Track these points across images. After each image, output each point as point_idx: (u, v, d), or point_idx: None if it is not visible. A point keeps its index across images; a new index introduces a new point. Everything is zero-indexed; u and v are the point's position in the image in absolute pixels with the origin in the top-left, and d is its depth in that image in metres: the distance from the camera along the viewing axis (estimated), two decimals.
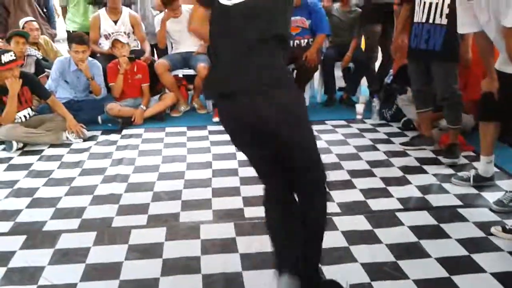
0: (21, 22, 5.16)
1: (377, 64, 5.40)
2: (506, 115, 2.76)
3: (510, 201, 2.73)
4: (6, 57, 3.84)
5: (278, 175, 1.93)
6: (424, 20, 3.36)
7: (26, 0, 5.58)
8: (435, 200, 2.91)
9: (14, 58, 3.91)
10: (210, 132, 4.28)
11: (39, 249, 2.42)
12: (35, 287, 2.13)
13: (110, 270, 2.24)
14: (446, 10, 3.24)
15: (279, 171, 1.91)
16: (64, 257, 2.35)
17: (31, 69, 4.64)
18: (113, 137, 4.17)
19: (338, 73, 5.42)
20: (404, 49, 3.66)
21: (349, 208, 2.82)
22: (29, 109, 4.14)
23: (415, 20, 3.42)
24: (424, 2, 3.33)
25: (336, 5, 5.16)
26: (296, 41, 4.91)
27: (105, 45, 5.07)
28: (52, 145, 3.93)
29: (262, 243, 2.42)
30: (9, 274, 2.22)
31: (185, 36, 4.97)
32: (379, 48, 5.29)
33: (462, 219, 2.67)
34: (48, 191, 3.10)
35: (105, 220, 2.73)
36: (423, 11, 3.34)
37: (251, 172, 3.28)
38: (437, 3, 3.27)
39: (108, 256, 2.35)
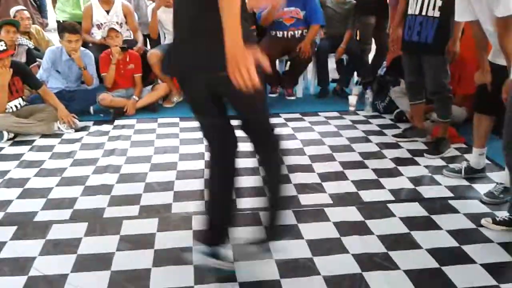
0: (12, 11, 5.10)
1: (370, 56, 5.40)
2: (499, 107, 2.78)
3: (500, 193, 2.74)
4: None
5: (224, 134, 2.08)
6: (417, 12, 3.35)
7: None
8: (427, 191, 2.92)
9: (5, 48, 3.87)
10: None
11: (30, 240, 2.40)
12: (25, 278, 2.11)
13: (101, 261, 2.23)
14: (439, 3, 3.24)
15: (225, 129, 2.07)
16: (55, 247, 2.34)
17: (22, 59, 4.60)
18: (105, 127, 4.15)
19: (331, 64, 5.42)
20: (400, 41, 3.66)
21: (341, 199, 2.82)
22: (20, 99, 4.09)
23: (409, 12, 3.42)
24: None
25: None
26: (290, 32, 4.89)
27: (97, 35, 5.04)
28: (43, 135, 3.90)
29: (253, 234, 2.43)
30: None
31: None
32: (373, 40, 5.29)
33: (453, 210, 2.68)
34: (39, 182, 3.09)
35: (96, 210, 2.72)
36: (416, 3, 3.34)
37: (244, 163, 3.33)
38: None
39: (99, 247, 2.34)
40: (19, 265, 2.20)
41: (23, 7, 5.29)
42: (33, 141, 3.82)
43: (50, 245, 2.36)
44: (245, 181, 3.02)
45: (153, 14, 4.87)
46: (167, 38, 5.08)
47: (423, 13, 3.32)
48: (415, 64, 3.52)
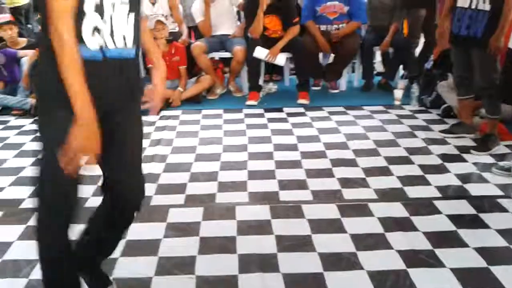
0: None
1: (417, 49, 5.27)
2: None
3: None
4: None
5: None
6: (467, 5, 3.26)
7: None
8: (475, 189, 2.85)
9: None
10: (246, 115, 4.31)
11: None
12: None
13: (149, 247, 2.30)
14: None
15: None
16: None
17: None
18: (152, 118, 4.24)
19: (377, 57, 5.34)
20: (447, 35, 3.56)
21: (385, 195, 2.79)
22: None
23: (458, 4, 3.32)
24: None
25: None
26: (335, 26, 4.85)
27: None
28: None
29: (297, 226, 2.45)
30: None
31: (222, 19, 4.98)
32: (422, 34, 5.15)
33: (502, 209, 2.61)
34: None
35: (144, 198, 2.79)
36: None
37: (286, 156, 3.36)
38: None
39: (147, 234, 2.41)
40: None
41: None
42: None
43: None
44: (288, 173, 3.06)
45: (206, 13, 4.90)
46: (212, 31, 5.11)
47: (473, 6, 3.22)
48: (464, 58, 3.42)
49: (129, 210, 1.79)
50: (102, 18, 1.45)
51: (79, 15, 1.40)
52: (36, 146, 1.59)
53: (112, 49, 1.49)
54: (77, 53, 1.39)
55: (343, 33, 4.77)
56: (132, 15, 1.53)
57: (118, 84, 1.55)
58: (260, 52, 4.58)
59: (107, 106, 1.53)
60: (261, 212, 2.61)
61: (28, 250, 2.28)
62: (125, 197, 1.74)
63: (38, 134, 1.56)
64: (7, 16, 5.27)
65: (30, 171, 3.16)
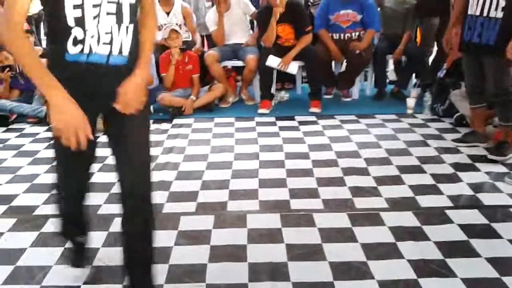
0: None
1: (430, 58, 5.25)
2: None
3: None
4: None
5: None
6: (478, 13, 3.24)
7: None
8: (487, 199, 2.83)
9: None
10: (258, 124, 4.33)
11: (95, 232, 2.48)
12: (89, 268, 2.24)
13: (160, 255, 2.30)
14: (502, 3, 3.11)
15: None
16: (116, 240, 2.42)
17: None
18: (164, 126, 4.29)
19: (389, 65, 5.33)
20: (455, 42, 3.54)
21: (397, 204, 2.79)
22: None
23: (469, 12, 3.30)
24: None
25: None
26: (347, 34, 4.86)
27: (157, 36, 5.19)
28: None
29: (307, 235, 2.45)
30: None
31: (235, 28, 5.03)
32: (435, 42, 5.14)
33: None
34: (102, 177, 3.22)
35: (156, 206, 2.79)
36: (477, 3, 3.22)
37: (297, 164, 3.37)
38: None
39: (159, 241, 2.40)
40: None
41: None
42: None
43: (112, 238, 2.48)
44: (299, 182, 3.07)
45: (220, 23, 4.94)
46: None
47: (485, 14, 3.20)
48: (476, 66, 3.40)
49: (136, 212, 1.83)
50: (84, 29, 1.58)
51: (65, 28, 1.57)
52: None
53: (97, 55, 1.63)
54: (25, 42, 1.57)
55: (364, 46, 4.75)
56: (123, 25, 1.65)
57: (110, 87, 1.67)
58: (273, 61, 4.60)
59: (102, 107, 1.74)
60: (272, 220, 2.62)
61: (41, 256, 2.33)
62: (130, 197, 1.82)
63: None
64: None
65: (44, 178, 3.23)
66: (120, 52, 1.66)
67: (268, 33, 4.64)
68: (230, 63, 5.12)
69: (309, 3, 5.38)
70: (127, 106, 1.70)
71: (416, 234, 2.45)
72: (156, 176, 3.20)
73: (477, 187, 2.97)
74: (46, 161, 3.54)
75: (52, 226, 2.53)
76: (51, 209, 2.77)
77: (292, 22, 4.69)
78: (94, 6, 1.58)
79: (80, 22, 1.58)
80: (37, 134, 4.17)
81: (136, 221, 1.82)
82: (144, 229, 1.85)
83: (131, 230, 1.84)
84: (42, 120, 4.41)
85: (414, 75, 5.19)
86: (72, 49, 1.60)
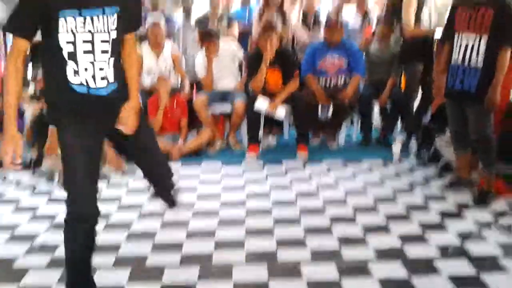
0: None
1: (415, 103, 5.33)
2: None
3: None
4: None
5: None
6: (460, 61, 3.33)
7: None
8: (475, 248, 2.80)
9: None
10: (245, 169, 4.31)
11: None
12: None
13: None
14: (482, 52, 3.21)
15: None
16: None
17: None
18: None
19: (375, 111, 5.39)
20: (442, 89, 3.61)
21: (385, 254, 2.75)
22: None
23: (452, 60, 3.39)
24: (461, 44, 3.31)
25: (374, 43, 5.17)
26: (334, 79, 4.94)
27: (146, 80, 5.22)
28: None
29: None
30: None
31: (223, 74, 5.08)
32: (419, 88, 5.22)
33: (504, 270, 2.56)
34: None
35: (139, 256, 2.76)
36: (459, 52, 3.32)
37: (285, 212, 3.34)
38: (473, 45, 3.24)
39: None
40: None
41: None
42: None
43: None
44: (287, 232, 3.03)
45: (209, 68, 5.00)
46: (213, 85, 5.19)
47: (466, 62, 3.29)
48: (459, 112, 3.46)
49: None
50: (77, 63, 1.91)
51: (62, 60, 1.90)
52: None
53: (93, 88, 1.96)
54: (13, 83, 1.89)
55: (351, 93, 4.82)
56: (112, 59, 1.99)
57: (107, 110, 2.06)
58: (261, 104, 4.62)
59: (105, 128, 2.10)
60: (259, 272, 2.57)
61: None
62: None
63: None
64: None
65: (26, 228, 3.16)
66: (113, 81, 2.01)
67: (257, 78, 4.69)
68: (218, 108, 5.14)
69: (295, 48, 5.48)
70: (128, 128, 2.10)
71: (404, 286, 2.41)
72: (139, 226, 3.17)
73: (465, 236, 2.95)
74: (29, 209, 3.48)
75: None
76: (31, 260, 2.72)
77: (280, 67, 4.76)
78: (85, 42, 1.89)
79: (72, 56, 1.90)
80: (21, 181, 4.10)
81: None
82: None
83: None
84: (26, 166, 4.34)
85: (399, 120, 5.26)
86: (73, 79, 1.92)
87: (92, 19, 1.89)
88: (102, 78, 1.96)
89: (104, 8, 1.91)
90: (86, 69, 1.91)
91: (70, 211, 2.06)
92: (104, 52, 1.94)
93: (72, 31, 1.87)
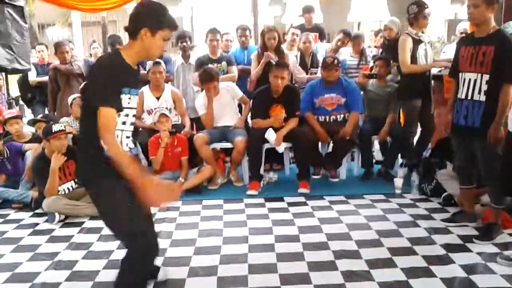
0: (70, 99, 5.43)
1: (415, 138, 5.36)
2: None
3: None
4: (56, 127, 4.18)
5: None
6: (463, 96, 3.37)
7: (75, 77, 5.95)
8: (481, 281, 2.77)
9: (63, 128, 4.18)
10: (247, 205, 4.30)
11: None
12: None
13: None
14: (484, 87, 3.24)
15: None
16: None
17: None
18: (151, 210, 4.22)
19: (375, 146, 5.41)
20: (442, 123, 3.63)
21: None
22: (72, 182, 4.28)
23: (458, 96, 3.44)
24: (464, 79, 3.36)
25: (372, 80, 5.25)
26: (332, 117, 4.99)
27: (147, 119, 5.27)
28: (92, 217, 4.00)
29: None
30: None
31: (224, 112, 5.14)
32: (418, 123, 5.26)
33: None
34: (87, 264, 3.14)
35: None
36: (463, 87, 3.36)
37: (288, 248, 3.30)
38: (475, 80, 3.28)
39: None
40: None
41: (80, 95, 5.62)
42: (82, 223, 3.93)
43: None
44: (290, 267, 2.99)
45: (209, 108, 5.06)
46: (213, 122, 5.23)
47: (469, 97, 3.33)
48: (464, 148, 3.48)
49: None
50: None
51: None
52: None
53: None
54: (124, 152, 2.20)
55: (350, 130, 4.86)
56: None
57: None
58: (271, 135, 4.72)
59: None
60: None
61: None
62: None
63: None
64: (14, 111, 5.46)
65: (27, 267, 3.12)
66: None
67: (261, 123, 4.84)
68: (219, 145, 5.17)
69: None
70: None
71: None
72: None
73: (470, 269, 2.92)
74: (29, 248, 3.45)
75: None
76: None
77: (285, 105, 4.83)
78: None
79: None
80: (22, 220, 4.08)
81: None
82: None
83: None
84: (27, 206, 4.34)
85: (400, 155, 5.27)
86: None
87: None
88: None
89: None
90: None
91: (141, 244, 2.29)
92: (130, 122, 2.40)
93: None
